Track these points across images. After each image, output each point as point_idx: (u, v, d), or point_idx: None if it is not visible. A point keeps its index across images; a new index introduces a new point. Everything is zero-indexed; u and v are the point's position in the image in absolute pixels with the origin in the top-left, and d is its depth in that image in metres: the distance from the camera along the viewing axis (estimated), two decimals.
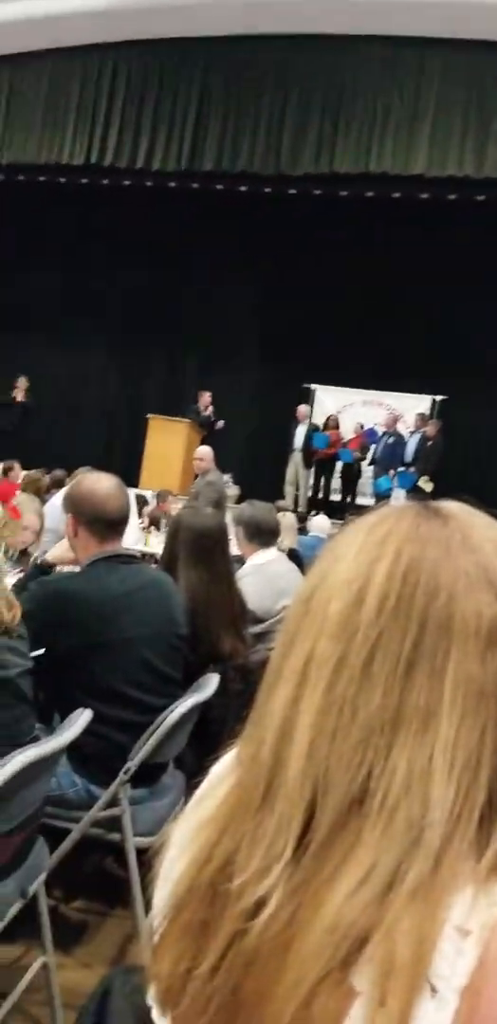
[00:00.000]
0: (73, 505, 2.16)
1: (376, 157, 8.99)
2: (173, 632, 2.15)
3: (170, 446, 9.50)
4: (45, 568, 2.28)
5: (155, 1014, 0.59)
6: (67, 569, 2.35)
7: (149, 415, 9.97)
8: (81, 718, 1.65)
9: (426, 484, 9.18)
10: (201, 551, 2.41)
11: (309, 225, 10.39)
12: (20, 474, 6.81)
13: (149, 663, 2.06)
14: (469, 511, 0.60)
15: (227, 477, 9.32)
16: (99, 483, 2.15)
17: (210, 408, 10.15)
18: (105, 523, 2.12)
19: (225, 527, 2.54)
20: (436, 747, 0.51)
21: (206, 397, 10.20)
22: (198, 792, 0.66)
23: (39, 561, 2.31)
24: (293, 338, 10.60)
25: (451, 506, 0.60)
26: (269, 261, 10.88)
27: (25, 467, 7.20)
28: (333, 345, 10.40)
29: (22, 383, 11.25)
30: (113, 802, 1.93)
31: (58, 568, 2.37)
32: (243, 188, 10.37)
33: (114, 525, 2.14)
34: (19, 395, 11.20)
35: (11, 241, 11.45)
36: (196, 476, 7.10)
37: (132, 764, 1.89)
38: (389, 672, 0.53)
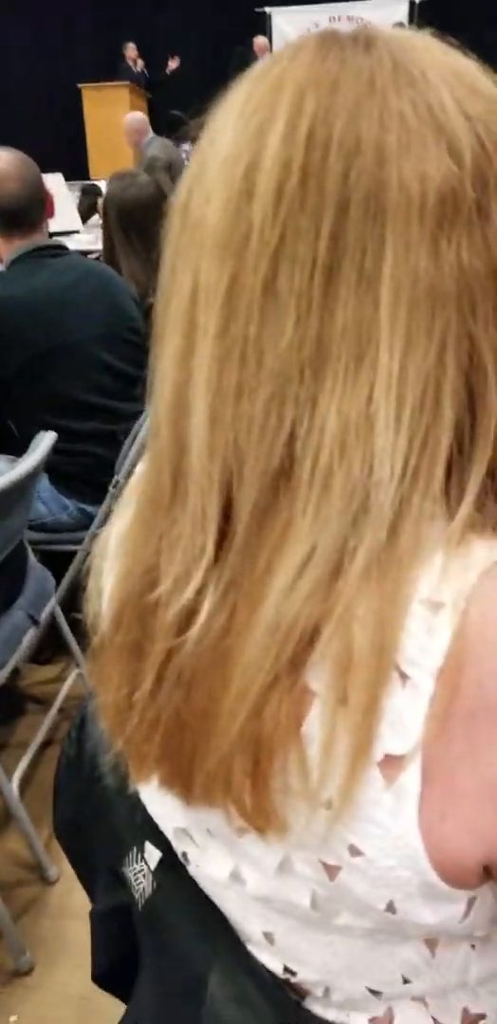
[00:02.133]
0: None
1: None
2: (125, 326, 1.93)
3: (113, 119, 8.33)
4: None
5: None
6: None
7: (80, 84, 8.64)
8: (44, 439, 1.52)
9: None
10: (136, 228, 2.11)
11: None
12: None
13: (107, 364, 1.88)
14: (407, 32, 0.43)
15: (186, 146, 8.27)
16: (2, 168, 1.76)
17: (139, 62, 8.73)
18: (10, 215, 1.78)
19: (156, 192, 2.18)
20: (376, 386, 0.39)
21: (130, 50, 8.74)
22: (125, 491, 0.56)
23: None
24: None
25: (377, 29, 0.43)
26: None
27: None
28: None
29: None
30: (108, 518, 1.86)
31: None
32: None
33: (22, 216, 1.80)
34: None
35: None
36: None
37: (120, 476, 1.79)
38: (300, 290, 0.39)
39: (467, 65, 0.42)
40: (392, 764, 0.39)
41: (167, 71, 8.73)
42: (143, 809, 0.57)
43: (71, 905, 1.50)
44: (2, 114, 9.78)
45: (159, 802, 0.54)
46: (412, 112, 0.39)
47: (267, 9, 9.55)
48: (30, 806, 1.55)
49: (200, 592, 0.43)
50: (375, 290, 0.39)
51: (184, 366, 0.43)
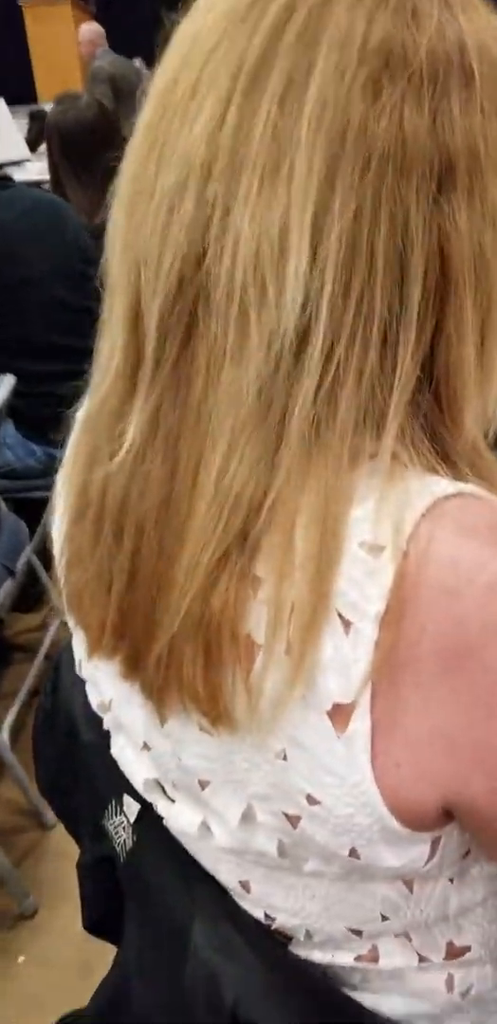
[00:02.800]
0: None
1: None
2: (79, 258, 1.84)
3: (59, 38, 7.87)
4: None
5: (80, 660, 0.55)
6: None
7: (20, 2, 8.13)
8: (2, 383, 1.46)
9: None
10: (80, 154, 1.99)
11: None
12: None
13: (63, 300, 1.81)
14: None
15: (138, 62, 7.84)
16: None
17: None
18: None
19: (97, 112, 2.04)
20: (291, 202, 0.36)
21: None
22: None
23: None
24: None
25: None
26: None
27: None
28: None
29: None
30: None
31: None
32: None
33: None
34: None
35: None
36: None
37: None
38: (222, 89, 0.38)
39: None
40: (341, 712, 0.38)
41: None
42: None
43: (70, 848, 1.50)
44: None
45: (129, 758, 0.53)
46: None
47: None
48: (22, 753, 1.55)
49: (122, 414, 0.42)
50: (299, 102, 0.37)
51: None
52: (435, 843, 0.42)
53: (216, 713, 0.40)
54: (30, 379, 1.58)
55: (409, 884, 0.45)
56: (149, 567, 0.41)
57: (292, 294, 0.37)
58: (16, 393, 1.55)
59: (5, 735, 1.53)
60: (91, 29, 5.70)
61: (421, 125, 0.37)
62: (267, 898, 0.48)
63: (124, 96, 4.38)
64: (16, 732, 1.60)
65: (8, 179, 1.83)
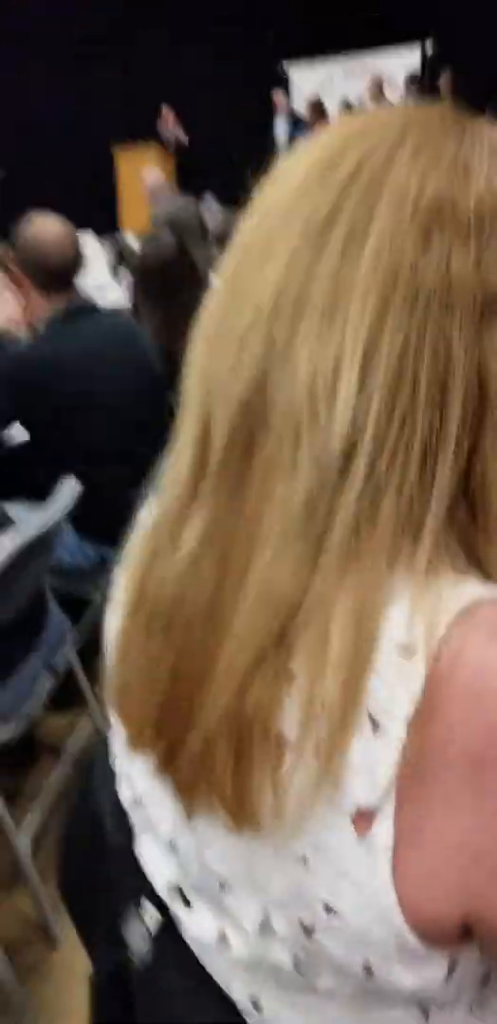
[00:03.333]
0: (18, 257, 1.93)
1: None
2: (149, 380, 1.99)
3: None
4: None
5: (117, 754, 0.56)
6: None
7: (114, 147, 8.98)
8: (66, 489, 1.54)
9: None
10: (157, 286, 2.19)
11: None
12: None
13: (130, 415, 1.93)
14: None
15: (209, 196, 8.48)
16: (45, 229, 1.91)
17: (174, 124, 9.08)
18: (52, 276, 1.90)
19: (172, 252, 2.24)
20: (345, 340, 0.40)
21: (166, 113, 9.09)
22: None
23: None
24: (254, 14, 9.13)
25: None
26: None
27: None
28: (300, 11, 8.94)
29: None
30: None
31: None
32: None
33: (60, 276, 1.92)
34: None
35: None
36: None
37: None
38: (293, 241, 0.43)
39: None
40: (364, 816, 0.38)
41: (184, 137, 9.05)
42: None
43: (76, 967, 1.46)
44: (40, 172, 10.17)
45: (153, 859, 0.54)
46: (443, 146, 0.43)
47: (285, 62, 9.85)
48: (40, 861, 1.52)
49: (184, 519, 0.45)
50: (358, 252, 0.41)
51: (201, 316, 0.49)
52: (453, 964, 0.41)
53: (242, 812, 0.41)
54: (89, 483, 1.65)
55: (425, 1011, 0.43)
56: (192, 664, 0.43)
57: (341, 419, 0.40)
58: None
59: (26, 841, 1.49)
60: (152, 176, 6.20)
61: (466, 266, 0.40)
62: (277, 1018, 0.47)
63: (185, 234, 4.74)
64: (36, 837, 1.56)
65: (93, 306, 2.01)
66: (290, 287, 0.42)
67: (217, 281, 0.48)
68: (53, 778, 1.73)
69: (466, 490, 0.42)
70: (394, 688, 0.37)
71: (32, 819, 1.57)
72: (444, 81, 8.29)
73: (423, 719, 0.37)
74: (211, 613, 0.43)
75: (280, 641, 0.40)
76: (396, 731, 0.37)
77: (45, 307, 1.93)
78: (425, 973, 0.40)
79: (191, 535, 0.45)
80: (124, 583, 0.53)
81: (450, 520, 0.41)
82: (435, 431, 0.40)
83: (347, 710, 0.38)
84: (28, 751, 2.00)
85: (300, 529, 0.40)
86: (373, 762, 0.37)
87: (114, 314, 2.16)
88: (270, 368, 0.42)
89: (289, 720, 0.39)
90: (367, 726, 0.38)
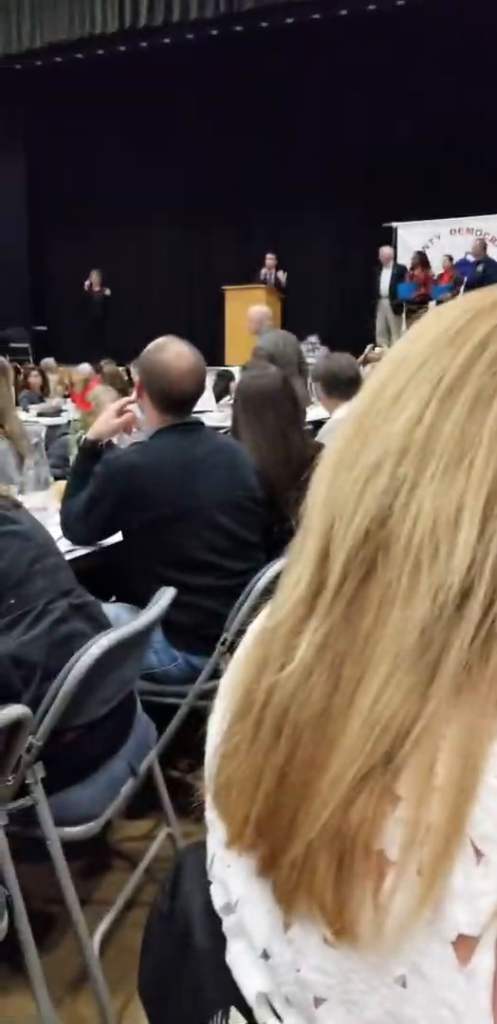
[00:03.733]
0: (144, 372, 2.05)
1: None
2: (245, 496, 2.08)
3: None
4: (98, 449, 2.14)
5: (213, 857, 0.56)
6: (126, 443, 2.27)
7: (224, 287, 9.65)
8: (165, 595, 1.59)
9: None
10: (252, 410, 2.35)
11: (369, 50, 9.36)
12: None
13: (225, 528, 2.00)
14: None
15: (313, 338, 8.94)
16: (176, 362, 2.01)
17: (273, 270, 9.70)
18: (172, 402, 2.02)
19: (277, 383, 2.42)
20: (468, 487, 0.44)
21: (267, 259, 9.76)
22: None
23: (82, 443, 2.17)
24: (367, 177, 9.79)
25: None
26: (326, 93, 9.96)
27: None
28: (410, 176, 9.52)
29: (95, 277, 11.15)
30: (215, 673, 1.89)
31: (116, 443, 2.29)
32: (290, 20, 9.39)
33: (180, 404, 2.04)
34: (95, 286, 11.14)
35: (57, 127, 11.10)
36: None
37: (229, 634, 1.83)
38: (422, 396, 0.47)
39: None
40: (465, 944, 0.38)
41: (283, 279, 9.63)
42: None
43: None
44: (154, 308, 11.03)
45: (244, 966, 0.53)
46: None
47: (393, 224, 10.40)
48: (107, 969, 1.48)
49: (298, 632, 0.47)
50: (484, 413, 0.45)
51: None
52: None
53: (341, 925, 0.41)
54: (181, 590, 1.69)
55: None
56: (299, 773, 0.45)
57: (460, 558, 0.42)
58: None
59: (95, 945, 1.47)
60: (259, 310, 6.51)
61: None
62: None
63: (281, 367, 5.01)
64: (103, 945, 1.54)
65: (199, 423, 2.13)
66: (418, 433, 0.46)
67: (345, 422, 0.53)
68: (126, 886, 1.71)
69: None
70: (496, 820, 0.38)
71: (102, 924, 1.55)
72: None
73: None
74: (320, 725, 0.44)
75: (387, 762, 0.41)
76: None
77: (157, 419, 2.04)
78: None
79: (305, 647, 0.47)
80: (230, 687, 0.55)
81: None
82: None
83: (451, 836, 0.38)
84: (99, 857, 1.99)
85: (413, 658, 0.42)
86: (476, 890, 0.38)
87: (218, 433, 2.29)
88: (394, 503, 0.45)
89: (392, 840, 0.40)
90: (470, 854, 0.38)
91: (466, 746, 0.40)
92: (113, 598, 2.18)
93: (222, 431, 2.59)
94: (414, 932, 0.39)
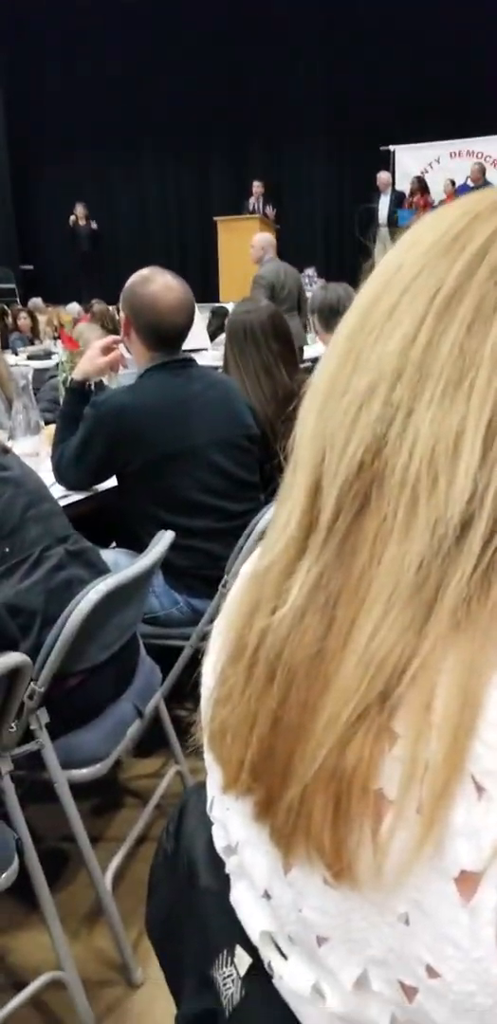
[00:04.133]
0: (131, 308, 1.94)
1: None
2: (241, 434, 2.03)
3: (243, 249, 8.93)
4: (86, 389, 2.05)
5: (212, 800, 0.57)
6: (116, 383, 2.21)
7: (216, 218, 9.37)
8: (164, 538, 1.58)
9: None
10: (237, 346, 2.30)
11: None
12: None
13: (220, 468, 1.96)
14: None
15: (310, 271, 8.72)
16: (165, 295, 1.91)
17: (261, 198, 9.43)
18: (161, 338, 1.93)
19: (262, 318, 2.33)
20: (469, 410, 0.41)
21: (254, 186, 9.49)
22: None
23: (69, 384, 2.08)
24: (362, 98, 9.42)
25: None
26: (323, 11, 9.51)
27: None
28: (407, 97, 9.16)
29: (80, 210, 10.85)
30: (217, 614, 1.89)
31: (106, 383, 2.21)
32: None
33: (170, 340, 1.95)
34: (80, 220, 10.85)
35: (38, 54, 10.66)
36: None
37: (230, 577, 1.82)
38: (417, 311, 0.44)
39: None
40: (468, 880, 0.37)
41: (270, 216, 9.35)
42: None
43: (154, 1012, 1.45)
44: (146, 243, 10.76)
45: (248, 906, 0.53)
46: None
47: (391, 147, 10.06)
48: (121, 903, 1.53)
49: (290, 572, 0.46)
50: (485, 328, 0.42)
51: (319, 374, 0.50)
52: None
53: (340, 867, 0.41)
54: (180, 533, 1.69)
55: None
56: (293, 715, 0.44)
57: (461, 488, 0.40)
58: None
59: (108, 880, 1.51)
60: (263, 238, 6.34)
61: None
62: None
63: (280, 300, 4.90)
64: (117, 879, 1.58)
65: (191, 360, 2.04)
66: (414, 353, 0.43)
67: (334, 343, 0.49)
68: (136, 822, 1.75)
69: None
70: None
71: (114, 860, 1.59)
72: None
73: None
74: (314, 667, 0.43)
75: (383, 700, 0.40)
76: None
77: (146, 357, 1.96)
78: None
79: (297, 588, 0.45)
80: (224, 630, 0.54)
81: None
82: None
83: (451, 773, 0.37)
84: (110, 796, 2.03)
85: (410, 594, 0.41)
86: (477, 825, 0.37)
87: (210, 370, 2.23)
88: (389, 431, 0.43)
89: (390, 779, 0.39)
90: (471, 789, 0.37)
91: (465, 681, 0.38)
92: (113, 545, 2.17)
93: (218, 370, 2.55)
94: (415, 870, 0.38)
